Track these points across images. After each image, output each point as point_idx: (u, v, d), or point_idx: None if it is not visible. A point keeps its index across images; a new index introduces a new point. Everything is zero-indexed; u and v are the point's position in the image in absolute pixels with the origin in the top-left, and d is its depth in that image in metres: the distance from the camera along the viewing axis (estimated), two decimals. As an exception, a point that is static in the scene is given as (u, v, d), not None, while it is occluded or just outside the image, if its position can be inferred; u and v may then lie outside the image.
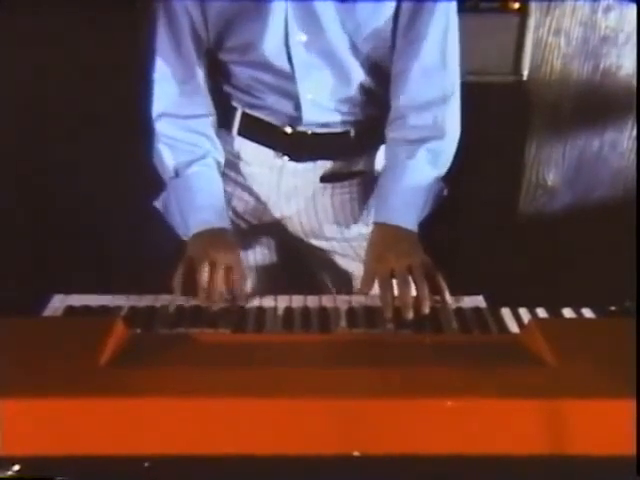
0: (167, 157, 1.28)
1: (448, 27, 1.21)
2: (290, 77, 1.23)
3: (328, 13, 1.15)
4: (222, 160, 1.34)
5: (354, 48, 1.20)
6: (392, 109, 1.28)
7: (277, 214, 1.43)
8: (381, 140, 1.36)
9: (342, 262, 1.49)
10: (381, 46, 1.22)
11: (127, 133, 1.61)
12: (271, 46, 1.19)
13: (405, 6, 1.18)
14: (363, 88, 1.27)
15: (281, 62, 1.21)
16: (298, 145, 1.31)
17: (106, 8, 1.90)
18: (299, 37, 1.18)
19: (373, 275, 1.16)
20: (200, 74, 1.27)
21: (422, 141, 1.24)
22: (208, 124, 1.31)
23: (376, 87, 1.28)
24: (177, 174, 1.28)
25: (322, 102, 1.27)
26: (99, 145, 2.04)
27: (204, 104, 1.30)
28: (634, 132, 2.16)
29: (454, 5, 1.21)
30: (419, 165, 1.24)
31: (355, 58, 1.22)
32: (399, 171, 1.25)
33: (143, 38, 1.66)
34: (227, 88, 1.31)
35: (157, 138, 1.29)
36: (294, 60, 1.20)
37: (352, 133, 1.31)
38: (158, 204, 1.31)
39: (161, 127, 1.29)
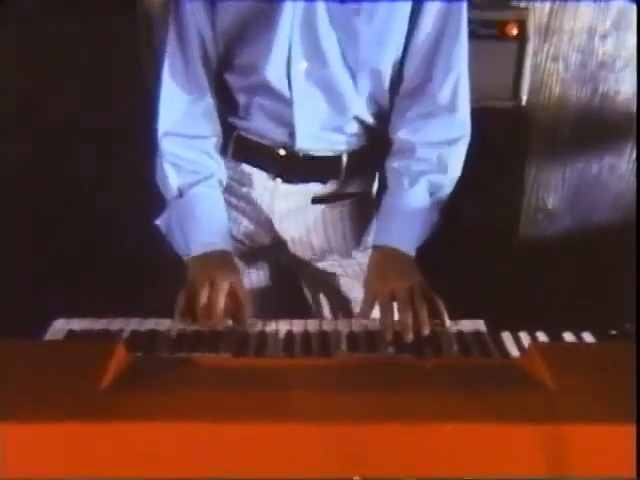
0: (171, 176, 1.28)
1: (461, 74, 1.23)
2: (288, 103, 1.23)
3: (331, 44, 1.16)
4: (225, 181, 1.34)
5: (354, 82, 1.21)
6: (395, 142, 1.29)
7: (271, 236, 1.44)
8: (373, 165, 1.37)
9: (338, 282, 1.49)
10: (382, 84, 1.23)
11: (131, 152, 1.62)
12: (273, 70, 1.20)
13: (416, 51, 1.20)
14: (359, 120, 1.28)
15: (281, 87, 1.22)
16: (291, 167, 1.31)
17: (109, 18, 1.91)
18: (301, 64, 1.19)
19: (374, 297, 1.16)
20: (208, 96, 1.27)
21: (424, 173, 1.26)
22: (213, 145, 1.31)
23: (373, 120, 1.29)
24: (181, 194, 1.28)
25: (316, 130, 1.27)
26: (102, 164, 2.05)
27: (210, 125, 1.30)
28: (633, 155, 2.17)
29: (466, 52, 1.22)
30: (420, 193, 1.26)
31: (354, 91, 1.23)
32: (400, 198, 1.26)
33: (145, 54, 1.68)
34: (224, 112, 1.32)
35: (161, 156, 1.29)
36: (293, 86, 1.21)
37: (344, 158, 1.32)
38: (160, 223, 1.31)
39: (166, 145, 1.28)
